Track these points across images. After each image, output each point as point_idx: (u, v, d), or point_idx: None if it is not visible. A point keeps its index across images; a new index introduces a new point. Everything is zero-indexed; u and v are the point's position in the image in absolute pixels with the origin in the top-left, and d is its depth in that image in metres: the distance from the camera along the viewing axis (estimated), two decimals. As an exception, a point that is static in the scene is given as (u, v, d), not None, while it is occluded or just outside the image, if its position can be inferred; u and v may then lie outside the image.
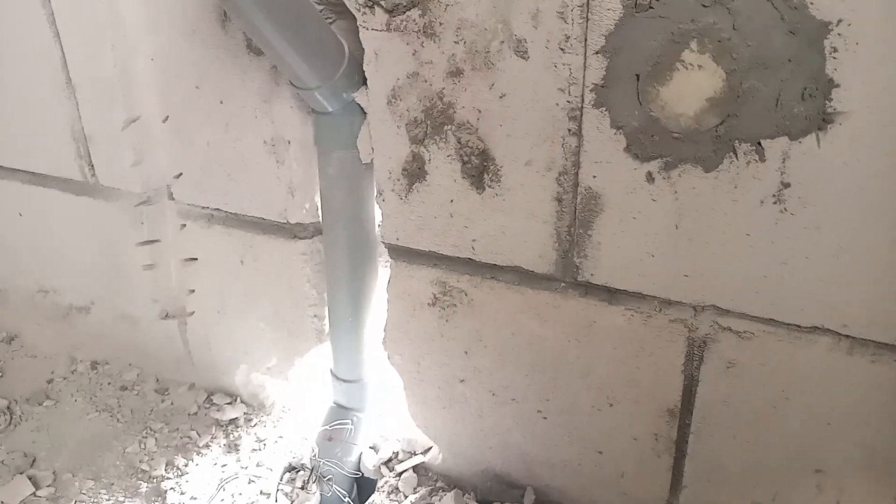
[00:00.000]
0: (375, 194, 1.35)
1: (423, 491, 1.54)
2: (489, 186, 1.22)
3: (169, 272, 1.75)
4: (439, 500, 1.51)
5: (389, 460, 1.64)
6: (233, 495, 1.57)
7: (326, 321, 1.59)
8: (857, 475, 1.15)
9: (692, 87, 1.00)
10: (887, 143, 0.93)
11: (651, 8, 0.99)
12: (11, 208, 1.91)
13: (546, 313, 1.28)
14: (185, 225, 1.66)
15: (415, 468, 1.60)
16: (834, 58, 0.91)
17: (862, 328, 1.05)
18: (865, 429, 1.11)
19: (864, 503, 1.16)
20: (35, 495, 1.56)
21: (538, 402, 1.38)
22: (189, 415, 1.81)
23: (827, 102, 0.94)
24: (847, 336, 1.06)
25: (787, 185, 1.00)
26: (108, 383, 1.94)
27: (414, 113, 1.23)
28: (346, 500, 1.55)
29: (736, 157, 1.02)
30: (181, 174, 1.61)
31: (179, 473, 1.63)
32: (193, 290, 1.74)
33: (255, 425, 1.78)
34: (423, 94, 1.21)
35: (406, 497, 1.54)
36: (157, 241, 1.73)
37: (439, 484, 1.57)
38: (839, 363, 1.08)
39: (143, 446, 1.71)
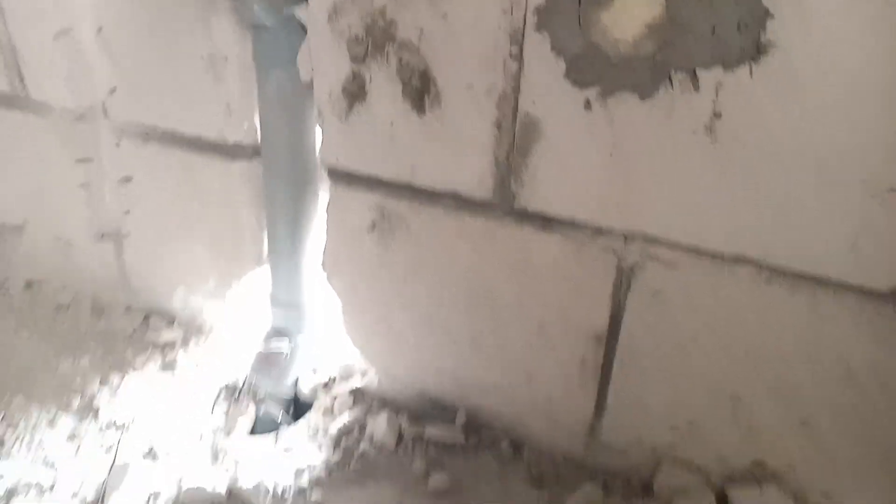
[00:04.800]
0: (315, 114, 1.32)
1: (357, 411, 1.57)
2: (430, 110, 1.20)
3: (104, 192, 1.70)
4: (373, 419, 1.54)
5: (326, 384, 1.66)
6: (166, 412, 1.57)
7: (265, 244, 1.57)
8: (768, 401, 1.21)
9: (631, 12, 0.99)
10: (816, 78, 0.95)
11: (596, -72, 0.98)
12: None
13: (482, 240, 1.29)
14: (119, 143, 1.60)
15: (351, 391, 1.63)
16: (770, -13, 0.92)
17: (781, 258, 1.09)
18: (779, 358, 1.16)
19: (771, 426, 1.23)
20: (-39, 411, 1.54)
21: (472, 329, 1.40)
22: (125, 336, 1.79)
23: (761, 33, 0.95)
24: (767, 266, 1.10)
25: (718, 116, 1.02)
26: (42, 304, 1.90)
27: (355, 30, 1.20)
28: (281, 419, 1.57)
29: (671, 85, 1.02)
30: (115, 89, 1.55)
31: (113, 391, 1.62)
32: (129, 211, 1.70)
33: (191, 348, 1.77)
34: (365, 11, 1.18)
35: (340, 417, 1.56)
36: (90, 159, 1.68)
37: (374, 406, 1.59)
38: (759, 293, 1.12)
39: (76, 365, 1.69)
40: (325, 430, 1.55)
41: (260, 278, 1.64)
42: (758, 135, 1.01)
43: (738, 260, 1.12)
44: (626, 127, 1.08)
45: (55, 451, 1.47)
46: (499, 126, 1.16)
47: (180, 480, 1.40)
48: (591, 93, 1.08)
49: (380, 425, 1.52)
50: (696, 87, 1.01)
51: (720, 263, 1.13)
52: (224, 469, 1.43)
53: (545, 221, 1.23)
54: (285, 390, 1.61)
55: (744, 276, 1.13)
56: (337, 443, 1.51)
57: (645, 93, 1.04)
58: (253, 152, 1.49)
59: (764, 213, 1.06)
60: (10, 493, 1.36)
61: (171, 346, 1.77)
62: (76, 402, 1.59)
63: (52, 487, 1.38)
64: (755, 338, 1.17)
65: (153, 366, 1.72)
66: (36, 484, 1.38)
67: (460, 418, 1.52)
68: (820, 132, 0.98)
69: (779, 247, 1.08)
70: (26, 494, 1.36)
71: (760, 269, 1.11)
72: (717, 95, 1.01)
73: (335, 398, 1.62)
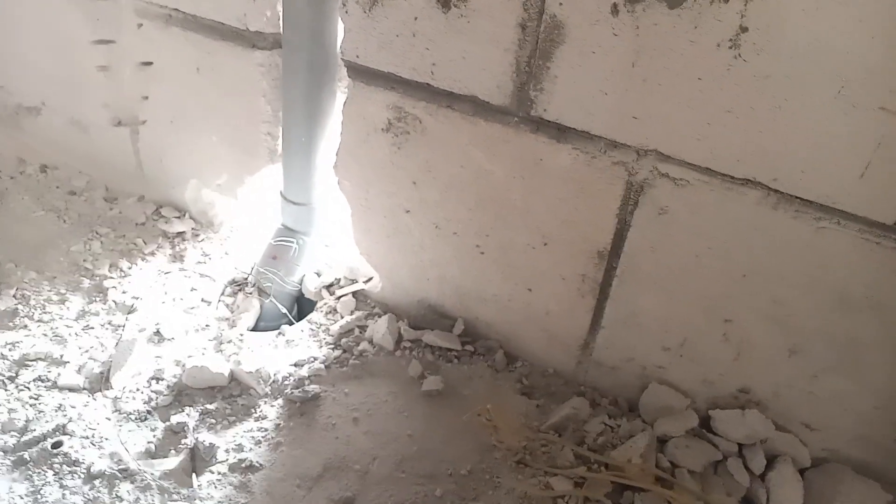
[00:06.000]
0: (339, 6, 1.31)
1: (359, 314, 1.61)
2: (455, 6, 1.19)
3: (123, 76, 1.70)
4: (374, 322, 1.58)
5: (331, 285, 1.69)
6: (174, 300, 1.61)
7: (280, 141, 1.58)
8: (760, 326, 1.23)
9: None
10: (848, -5, 0.94)
11: None
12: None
13: (496, 147, 1.30)
14: (142, 24, 1.59)
15: (354, 294, 1.66)
16: None
17: (790, 184, 1.09)
18: (777, 282, 1.18)
19: (761, 352, 1.25)
20: (-23, 278, 1.59)
21: (478, 238, 1.42)
22: (136, 224, 1.82)
23: (798, -57, 0.93)
24: (776, 191, 1.11)
25: (744, 30, 1.01)
26: (57, 187, 1.93)
27: (386, -82, 1.18)
28: (285, 315, 1.61)
29: (701, -6, 1.01)
30: (139, -32, 1.54)
31: (123, 275, 1.66)
32: (147, 98, 1.70)
33: (201, 240, 1.80)
34: None
35: (343, 317, 1.60)
36: (111, 41, 1.67)
37: (376, 310, 1.63)
38: (764, 217, 1.13)
39: (88, 247, 1.72)
40: (327, 329, 1.58)
41: (272, 176, 1.66)
42: (782, 52, 1.00)
43: (748, 183, 1.12)
44: (651, 36, 1.07)
45: (64, 327, 1.52)
46: (523, 27, 1.15)
47: (184, 362, 1.44)
48: (620, -2, 1.06)
49: (380, 328, 1.56)
50: (727, -3, 1.00)
51: (729, 185, 1.14)
52: (227, 357, 1.48)
53: (560, 131, 1.23)
54: (291, 287, 1.64)
55: (751, 200, 1.13)
56: (337, 341, 1.55)
57: (674, 1, 1.03)
58: (274, 42, 1.48)
59: (779, 135, 1.06)
60: (22, 361, 1.41)
61: (181, 237, 1.80)
62: (86, 283, 1.63)
63: (61, 360, 1.43)
64: (755, 261, 1.18)
65: (162, 255, 1.75)
66: (46, 355, 1.43)
67: (458, 327, 1.55)
68: (846, 52, 0.97)
69: (790, 172, 1.08)
70: (37, 364, 1.41)
71: (769, 194, 1.12)
72: (745, 8, 0.99)
73: (339, 300, 1.66)
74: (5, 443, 1.23)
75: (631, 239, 1.26)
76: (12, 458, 1.20)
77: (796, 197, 1.10)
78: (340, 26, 1.36)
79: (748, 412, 1.31)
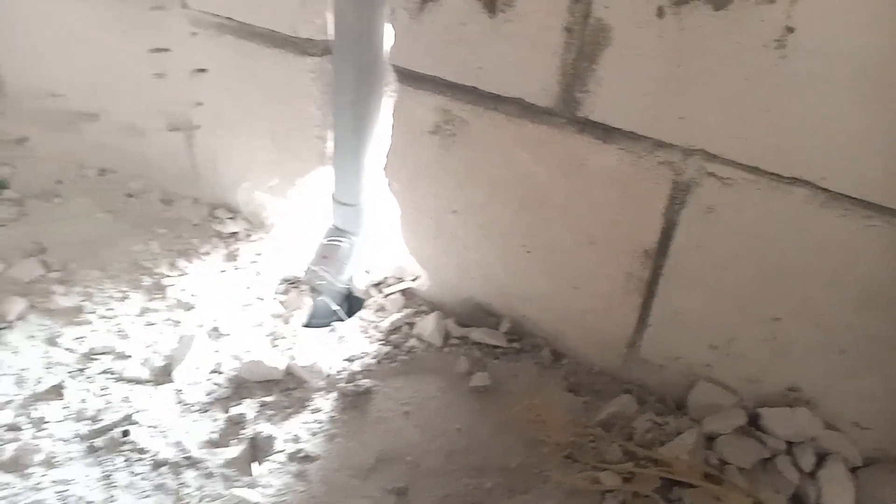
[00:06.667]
0: (388, 12, 1.35)
1: (408, 311, 1.65)
2: (501, 11, 1.22)
3: (178, 83, 1.77)
4: (422, 319, 1.62)
5: (379, 283, 1.74)
6: (230, 297, 1.68)
7: (330, 143, 1.63)
8: (807, 324, 1.23)
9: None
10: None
11: None
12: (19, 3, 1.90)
13: (541, 148, 1.32)
14: (196, 33, 1.66)
15: (402, 292, 1.70)
16: None
17: (839, 182, 1.09)
18: (821, 281, 1.18)
19: (809, 350, 1.25)
20: (45, 277, 1.67)
21: (523, 238, 1.45)
22: (192, 225, 1.89)
23: (846, -57, 0.93)
24: (824, 189, 1.11)
25: (791, 30, 1.01)
26: (115, 190, 2.01)
27: (434, -73, 1.21)
28: (336, 312, 1.66)
29: (748, -5, 1.02)
30: (195, -21, 1.60)
31: (181, 273, 1.73)
32: (201, 103, 1.77)
33: (254, 241, 1.87)
34: None
35: (392, 315, 1.64)
36: (167, 50, 1.74)
37: (423, 308, 1.67)
38: (811, 216, 1.13)
39: (147, 247, 1.80)
40: (377, 326, 1.63)
41: (322, 178, 1.71)
42: (829, 51, 1.00)
43: (796, 181, 1.12)
44: (696, 38, 1.08)
45: (127, 323, 1.59)
46: (569, 30, 1.17)
47: (241, 357, 1.50)
48: (665, 0, 1.08)
49: (428, 325, 1.59)
50: (774, -2, 1.00)
51: (777, 184, 1.14)
52: (282, 352, 1.53)
53: (606, 131, 1.25)
54: (341, 285, 1.69)
55: (799, 198, 1.13)
56: (387, 338, 1.60)
57: (720, 2, 1.04)
58: (324, 49, 1.53)
59: (827, 134, 1.06)
60: (90, 355, 1.48)
61: (234, 237, 1.87)
62: (146, 281, 1.71)
63: (125, 354, 1.50)
64: (801, 259, 1.18)
65: (217, 254, 1.82)
66: (111, 349, 1.50)
67: (504, 325, 1.58)
68: (893, 49, 0.97)
69: (838, 170, 1.08)
70: (103, 357, 1.48)
71: (816, 192, 1.12)
72: (791, 8, 1.00)
73: (387, 297, 1.70)
74: (78, 431, 1.30)
75: (677, 238, 1.27)
76: (86, 445, 1.27)
77: (845, 195, 1.10)
78: (388, 32, 1.40)
79: (797, 410, 1.31)
